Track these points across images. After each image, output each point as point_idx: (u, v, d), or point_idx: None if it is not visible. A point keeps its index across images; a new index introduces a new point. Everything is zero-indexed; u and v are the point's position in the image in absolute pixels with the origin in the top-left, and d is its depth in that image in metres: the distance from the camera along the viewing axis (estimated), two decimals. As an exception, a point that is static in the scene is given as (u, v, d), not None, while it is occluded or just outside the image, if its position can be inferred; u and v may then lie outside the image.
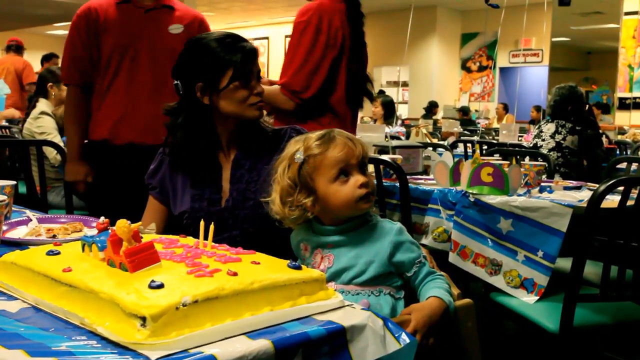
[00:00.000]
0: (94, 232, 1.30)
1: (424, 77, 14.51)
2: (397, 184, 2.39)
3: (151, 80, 2.40)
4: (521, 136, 6.16)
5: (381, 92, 8.27)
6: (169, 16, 2.45)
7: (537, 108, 10.77)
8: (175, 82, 1.68)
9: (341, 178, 1.39)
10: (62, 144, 3.17)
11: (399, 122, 8.95)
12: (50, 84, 4.03)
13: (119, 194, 2.40)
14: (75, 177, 2.51)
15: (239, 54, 1.63)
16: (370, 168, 2.26)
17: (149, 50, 2.40)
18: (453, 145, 5.34)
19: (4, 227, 1.50)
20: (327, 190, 1.40)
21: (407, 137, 6.08)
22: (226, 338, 0.86)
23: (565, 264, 2.21)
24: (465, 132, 7.75)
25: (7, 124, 5.34)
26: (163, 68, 2.38)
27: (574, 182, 2.92)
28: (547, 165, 3.07)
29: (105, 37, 2.41)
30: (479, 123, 10.48)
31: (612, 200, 2.02)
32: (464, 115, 11.41)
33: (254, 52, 1.67)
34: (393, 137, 5.00)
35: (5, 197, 1.37)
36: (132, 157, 2.38)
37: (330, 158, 1.39)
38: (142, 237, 1.02)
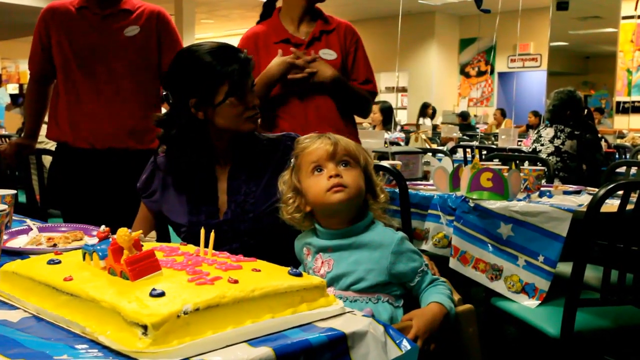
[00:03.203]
0: (95, 240, 1.30)
1: (422, 82, 14.54)
2: (397, 190, 2.39)
3: (108, 84, 2.44)
4: (520, 141, 6.17)
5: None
6: (125, 20, 2.47)
7: (535, 113, 10.78)
8: (165, 92, 1.66)
9: (316, 173, 1.42)
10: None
11: (398, 127, 8.96)
12: None
13: (88, 197, 2.48)
14: (11, 148, 2.68)
15: (234, 69, 1.57)
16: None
17: (105, 55, 2.44)
18: (452, 151, 5.34)
19: (5, 237, 1.50)
20: (305, 185, 1.43)
21: (406, 143, 6.09)
22: (227, 346, 0.86)
23: (565, 268, 2.21)
24: (465, 137, 7.76)
25: (7, 133, 5.35)
26: (120, 72, 2.45)
27: (573, 186, 2.92)
28: (546, 169, 3.07)
29: (60, 40, 2.46)
30: (478, 128, 10.50)
31: (611, 205, 2.02)
32: (464, 121, 11.42)
33: (248, 65, 1.62)
34: (392, 143, 5.01)
35: (5, 207, 1.37)
36: (97, 161, 2.47)
37: (307, 155, 1.44)
38: (142, 246, 1.02)
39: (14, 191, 1.69)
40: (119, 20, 2.46)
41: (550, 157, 4.02)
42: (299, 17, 2.48)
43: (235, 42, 2.23)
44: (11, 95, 11.48)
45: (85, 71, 2.44)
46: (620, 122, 10.51)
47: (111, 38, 2.44)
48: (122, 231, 0.98)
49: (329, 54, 2.44)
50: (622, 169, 3.83)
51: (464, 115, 11.86)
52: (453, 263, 2.31)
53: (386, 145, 3.65)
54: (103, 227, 1.16)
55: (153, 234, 1.53)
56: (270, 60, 2.43)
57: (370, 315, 1.02)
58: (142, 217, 1.76)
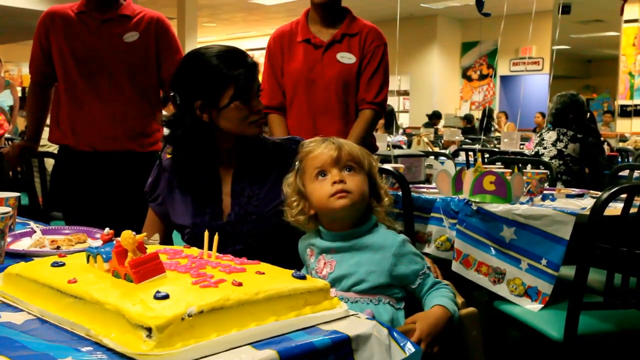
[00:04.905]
0: (99, 243, 1.30)
1: (424, 85, 14.55)
2: (400, 193, 2.39)
3: (108, 88, 2.46)
4: (522, 144, 6.16)
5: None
6: (125, 25, 2.49)
7: (543, 114, 10.75)
8: (172, 93, 1.66)
9: (320, 177, 1.42)
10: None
11: (400, 131, 8.97)
12: None
13: (90, 200, 2.50)
14: (14, 150, 2.66)
15: (240, 73, 1.58)
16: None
17: (105, 60, 2.45)
18: (455, 154, 5.34)
19: (8, 239, 1.51)
20: (309, 189, 1.44)
21: (409, 146, 6.09)
22: (232, 348, 0.86)
23: (568, 271, 2.21)
24: (467, 140, 7.75)
25: (10, 136, 5.36)
26: (119, 76, 2.46)
27: (576, 189, 2.92)
28: (549, 173, 3.07)
29: (60, 45, 2.47)
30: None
31: (614, 208, 2.02)
32: (468, 124, 11.38)
33: (254, 69, 1.62)
34: (395, 146, 5.01)
35: (9, 209, 1.37)
36: (98, 164, 2.48)
37: (311, 159, 1.45)
38: (146, 248, 1.02)
39: (17, 194, 1.70)
40: (119, 26, 2.47)
41: (553, 161, 4.02)
42: (320, 18, 2.52)
43: (237, 45, 2.25)
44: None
45: (85, 75, 2.45)
46: (623, 125, 10.50)
47: (111, 43, 2.45)
48: (127, 234, 0.98)
49: (347, 57, 2.47)
50: (625, 173, 3.82)
51: (468, 118, 11.81)
52: (455, 266, 2.31)
53: (388, 149, 3.65)
54: (107, 229, 1.16)
55: (156, 236, 1.53)
56: (294, 58, 2.49)
57: (371, 317, 1.03)
58: (150, 221, 1.77)
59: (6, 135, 5.44)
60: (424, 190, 2.70)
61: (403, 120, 14.30)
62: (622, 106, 10.92)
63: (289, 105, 2.55)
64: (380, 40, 2.54)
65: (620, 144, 7.50)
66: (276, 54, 2.57)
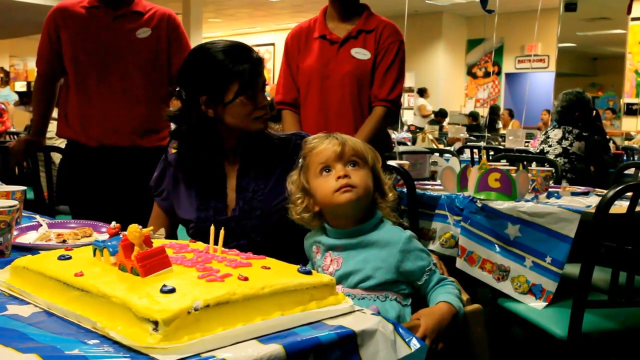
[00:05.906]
0: (105, 236, 1.31)
1: (429, 82, 14.50)
2: (405, 190, 2.39)
3: (119, 83, 2.46)
4: (527, 142, 6.15)
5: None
6: (137, 21, 2.49)
7: (550, 111, 10.71)
8: (178, 88, 1.66)
9: (324, 173, 1.42)
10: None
11: (405, 127, 8.96)
12: None
13: (98, 194, 2.50)
14: (20, 144, 2.66)
15: (245, 68, 1.58)
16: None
17: (116, 55, 2.45)
18: (459, 151, 5.34)
19: (15, 232, 1.51)
20: (314, 185, 1.43)
21: (413, 143, 6.09)
22: (237, 342, 0.86)
23: (573, 269, 2.21)
24: (472, 137, 7.74)
25: (15, 129, 5.38)
26: (131, 72, 2.46)
27: (581, 187, 2.91)
28: (554, 171, 3.06)
29: (71, 40, 2.48)
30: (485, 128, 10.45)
31: (620, 206, 2.01)
32: (474, 121, 11.35)
33: (260, 64, 1.62)
34: (399, 143, 5.01)
35: (16, 202, 1.38)
36: (106, 159, 2.49)
37: (315, 155, 1.44)
38: (153, 242, 1.03)
39: (23, 187, 1.70)
40: (131, 22, 2.48)
41: (558, 159, 4.01)
42: (337, 14, 2.53)
43: (243, 41, 2.26)
44: (19, 93, 11.52)
45: (96, 70, 2.46)
46: (629, 123, 10.47)
47: (123, 38, 2.46)
48: (133, 227, 0.99)
49: (362, 53, 2.47)
50: (631, 171, 3.82)
51: (474, 116, 11.78)
52: (460, 263, 2.31)
53: (393, 145, 3.64)
54: (114, 223, 1.16)
55: (162, 231, 1.53)
56: (310, 54, 2.48)
57: (376, 312, 1.03)
58: (155, 216, 1.77)
59: (11, 129, 5.46)
60: (429, 187, 2.70)
61: (408, 117, 14.28)
62: (628, 104, 10.88)
63: (303, 102, 2.55)
64: (396, 37, 2.52)
65: (626, 142, 7.47)
66: (293, 50, 2.57)
